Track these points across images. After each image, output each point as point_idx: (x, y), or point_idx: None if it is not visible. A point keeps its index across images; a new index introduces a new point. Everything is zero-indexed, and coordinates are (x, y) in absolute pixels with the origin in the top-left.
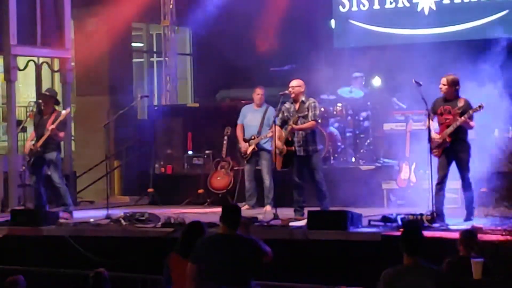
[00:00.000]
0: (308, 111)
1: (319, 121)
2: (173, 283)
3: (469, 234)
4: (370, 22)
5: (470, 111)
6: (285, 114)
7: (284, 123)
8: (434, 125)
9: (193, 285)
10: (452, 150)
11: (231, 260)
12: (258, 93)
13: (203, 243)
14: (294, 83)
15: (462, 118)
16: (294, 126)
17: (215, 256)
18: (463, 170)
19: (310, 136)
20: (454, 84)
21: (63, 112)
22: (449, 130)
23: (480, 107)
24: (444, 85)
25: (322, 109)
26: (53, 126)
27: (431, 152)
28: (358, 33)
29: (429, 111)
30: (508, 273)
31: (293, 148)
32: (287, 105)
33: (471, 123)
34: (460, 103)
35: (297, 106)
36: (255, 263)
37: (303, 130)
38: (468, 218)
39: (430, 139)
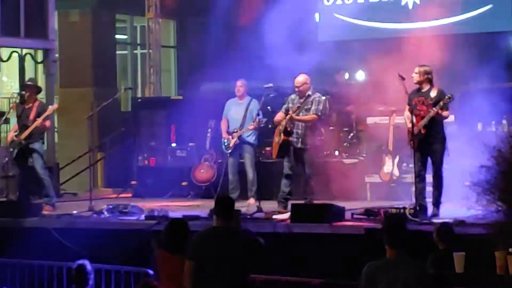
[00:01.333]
0: (312, 105)
1: (322, 117)
2: (160, 279)
3: (444, 229)
4: (355, 15)
5: (441, 103)
6: (290, 105)
7: (286, 113)
8: (410, 117)
9: (190, 281)
10: (426, 141)
11: (229, 253)
12: (238, 85)
13: (199, 238)
14: (300, 81)
15: (434, 109)
16: (294, 116)
17: (212, 251)
18: (435, 162)
19: (309, 130)
20: (425, 73)
21: (50, 107)
22: (423, 122)
23: (450, 98)
24: (416, 73)
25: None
26: (40, 121)
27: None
28: (343, 26)
29: (411, 106)
30: (490, 266)
31: (289, 138)
32: (292, 96)
33: (444, 114)
34: (433, 94)
35: (302, 99)
36: (253, 255)
37: (302, 122)
38: (435, 213)
39: (411, 134)
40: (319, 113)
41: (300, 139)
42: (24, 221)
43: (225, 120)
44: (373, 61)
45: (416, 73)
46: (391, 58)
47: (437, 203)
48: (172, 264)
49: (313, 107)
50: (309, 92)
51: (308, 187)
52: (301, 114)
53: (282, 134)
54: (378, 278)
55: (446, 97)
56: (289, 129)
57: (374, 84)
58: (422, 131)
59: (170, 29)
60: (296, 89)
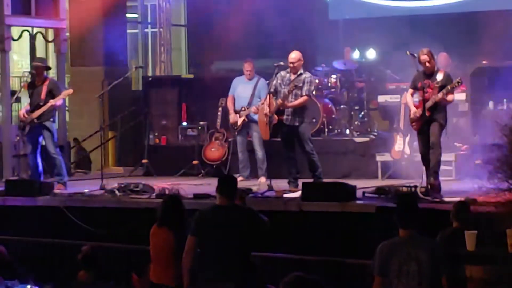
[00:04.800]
0: (303, 84)
1: (312, 96)
2: (151, 253)
3: (462, 206)
4: None
5: (449, 87)
6: (279, 81)
7: (276, 90)
8: (414, 98)
9: (190, 257)
10: (429, 122)
11: (231, 231)
12: (247, 69)
13: (202, 215)
14: (294, 57)
15: (440, 94)
16: (287, 104)
17: (214, 228)
18: (433, 135)
19: (299, 108)
20: (433, 57)
21: (65, 91)
22: (428, 104)
23: (459, 82)
24: (428, 62)
25: (317, 81)
26: (53, 102)
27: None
28: (353, 5)
29: (422, 83)
30: (501, 244)
31: (282, 117)
32: (282, 73)
33: (449, 98)
34: (440, 77)
35: (293, 76)
36: (255, 234)
37: (294, 107)
38: (433, 184)
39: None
40: (311, 94)
41: (289, 117)
42: (36, 200)
43: (232, 97)
44: (384, 39)
45: (425, 54)
46: (402, 37)
47: (434, 173)
48: (159, 237)
49: (305, 87)
50: (301, 70)
51: (312, 163)
52: (294, 91)
53: (275, 115)
54: (392, 257)
55: (455, 81)
56: (281, 108)
57: (385, 63)
58: (427, 114)
59: (180, 8)
60: (291, 65)
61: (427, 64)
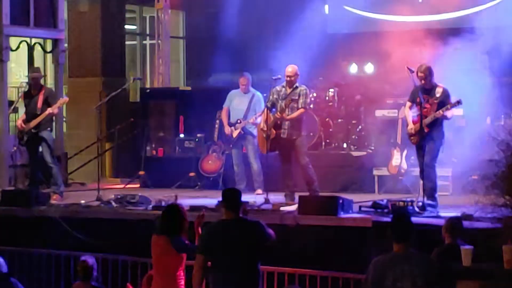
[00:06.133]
0: (299, 97)
1: (309, 109)
2: (153, 262)
3: (455, 222)
4: (364, 8)
5: (448, 106)
6: (275, 96)
7: (273, 105)
8: (412, 113)
9: (200, 274)
10: (427, 138)
11: (240, 245)
12: (242, 84)
13: (209, 231)
14: (291, 70)
15: (440, 111)
16: (285, 116)
17: (222, 243)
18: (429, 153)
19: (296, 122)
20: (431, 74)
21: (62, 99)
22: (427, 120)
23: (458, 102)
24: (425, 75)
25: (315, 94)
26: (50, 110)
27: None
28: (352, 19)
29: (420, 98)
30: (497, 260)
31: (280, 131)
32: (278, 88)
33: (448, 115)
34: (438, 93)
35: (288, 90)
36: (262, 246)
37: (294, 119)
38: (431, 204)
39: (420, 126)
40: (307, 107)
41: (286, 131)
42: (32, 210)
43: (226, 110)
44: (382, 53)
45: (422, 72)
46: (400, 51)
47: (431, 195)
48: (158, 245)
49: (301, 100)
50: (296, 84)
51: (307, 176)
52: (291, 105)
53: (273, 129)
54: (386, 272)
55: (455, 101)
56: (279, 122)
57: (382, 77)
58: (425, 130)
59: (179, 20)
60: (288, 79)
61: (423, 80)
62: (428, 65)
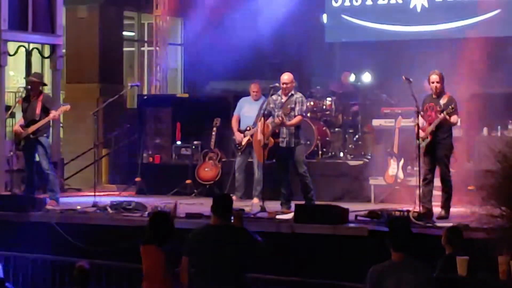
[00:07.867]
0: (295, 105)
1: (305, 116)
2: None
3: (454, 232)
4: (363, 17)
5: (445, 112)
6: (271, 105)
7: (269, 115)
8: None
9: (185, 275)
10: (433, 146)
11: (224, 251)
12: (254, 90)
13: (195, 235)
14: (287, 78)
15: (441, 115)
16: (286, 123)
17: (207, 248)
18: (441, 167)
19: (294, 130)
20: (443, 79)
21: (63, 107)
22: (430, 128)
23: (452, 108)
24: (438, 82)
25: (312, 103)
26: (51, 116)
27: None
28: (350, 28)
29: (418, 108)
30: (493, 271)
31: (278, 140)
32: (274, 97)
33: (453, 120)
34: (443, 100)
35: (284, 98)
36: (248, 254)
37: (292, 126)
38: (444, 216)
39: (418, 137)
40: (303, 114)
41: (285, 140)
42: (27, 215)
43: (237, 117)
44: (380, 63)
45: (438, 82)
46: (398, 61)
47: (446, 206)
48: (147, 255)
49: (297, 108)
50: (292, 92)
51: (304, 185)
52: (290, 113)
53: (271, 138)
54: (383, 281)
55: (450, 107)
56: (277, 131)
57: (380, 86)
58: (429, 137)
59: (177, 27)
60: (283, 86)
61: (436, 84)
62: (440, 71)
